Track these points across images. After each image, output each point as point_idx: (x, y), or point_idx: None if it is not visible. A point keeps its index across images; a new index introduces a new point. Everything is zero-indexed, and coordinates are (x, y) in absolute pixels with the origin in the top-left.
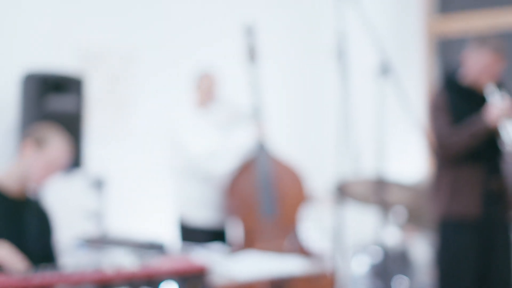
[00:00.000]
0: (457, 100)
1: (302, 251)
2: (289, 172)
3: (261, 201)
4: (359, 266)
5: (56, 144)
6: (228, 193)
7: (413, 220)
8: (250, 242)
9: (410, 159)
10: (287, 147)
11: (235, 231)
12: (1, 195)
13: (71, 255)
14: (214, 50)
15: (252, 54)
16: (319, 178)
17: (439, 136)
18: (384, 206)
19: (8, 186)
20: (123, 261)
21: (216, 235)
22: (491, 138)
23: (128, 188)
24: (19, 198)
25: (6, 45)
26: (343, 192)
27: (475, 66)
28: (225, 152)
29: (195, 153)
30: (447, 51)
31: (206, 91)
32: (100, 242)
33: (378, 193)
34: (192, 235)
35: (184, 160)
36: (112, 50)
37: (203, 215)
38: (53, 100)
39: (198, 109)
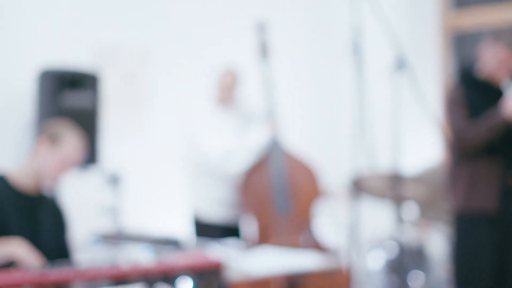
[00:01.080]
0: (474, 95)
1: (318, 246)
2: (303, 168)
3: (275, 198)
4: (374, 261)
5: (70, 141)
6: (242, 190)
7: (429, 214)
8: (264, 238)
9: (425, 154)
10: (303, 142)
11: (249, 227)
12: (16, 192)
13: (87, 251)
14: (229, 46)
15: (264, 51)
16: (334, 173)
17: (456, 131)
18: (400, 201)
19: (22, 183)
20: (139, 257)
21: (231, 231)
22: (508, 132)
23: (143, 184)
24: (34, 195)
25: (22, 42)
26: (359, 187)
27: (491, 60)
28: (241, 152)
29: (211, 153)
30: (462, 45)
31: (227, 88)
32: (116, 238)
33: (394, 188)
34: (207, 230)
35: (200, 160)
36: (127, 46)
37: (218, 212)
38: (69, 97)
39: (217, 106)
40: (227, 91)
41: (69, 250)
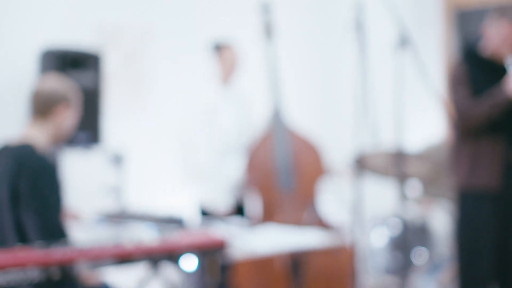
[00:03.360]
0: (477, 72)
1: (321, 224)
2: (307, 146)
3: (279, 175)
4: (378, 238)
5: (76, 94)
6: (247, 166)
7: (432, 191)
8: (269, 215)
9: (429, 131)
10: (306, 120)
11: (254, 204)
12: (48, 161)
13: (91, 230)
14: (232, 26)
15: (268, 31)
16: (338, 151)
17: (459, 109)
18: (403, 178)
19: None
20: (143, 236)
21: (235, 210)
22: None
23: (146, 163)
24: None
25: (24, 22)
26: (362, 164)
27: (495, 37)
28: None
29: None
30: (465, 22)
31: (229, 64)
32: (120, 217)
33: (397, 165)
34: (211, 209)
35: (194, 164)
36: (129, 26)
37: (221, 196)
38: (71, 76)
39: (220, 84)
40: (230, 68)
41: None
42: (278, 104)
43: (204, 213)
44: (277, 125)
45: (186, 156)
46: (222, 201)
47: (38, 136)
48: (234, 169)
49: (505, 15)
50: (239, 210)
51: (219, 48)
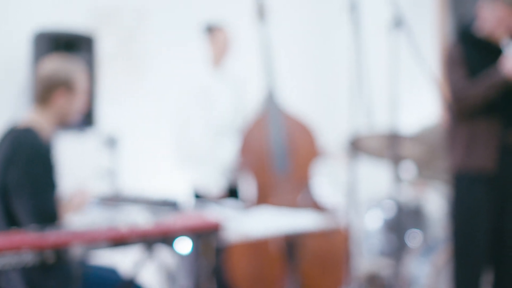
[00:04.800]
0: (473, 53)
1: (316, 206)
2: (301, 128)
3: (274, 157)
4: (372, 221)
5: (81, 78)
6: (241, 149)
7: (426, 174)
8: (263, 198)
9: (423, 112)
10: (300, 102)
11: (248, 186)
12: (47, 146)
13: (85, 213)
14: (225, 5)
15: (261, 12)
16: (332, 133)
17: (455, 90)
18: (398, 160)
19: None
20: (137, 219)
21: (229, 192)
22: (508, 91)
23: (141, 146)
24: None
25: (16, 3)
26: (357, 146)
27: (489, 19)
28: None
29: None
30: (460, 3)
31: (221, 46)
32: (114, 200)
33: (392, 147)
34: (205, 192)
35: (189, 147)
36: (123, 7)
37: (215, 179)
38: None
39: (212, 67)
40: (222, 50)
41: None
42: (272, 86)
43: (198, 196)
44: (271, 107)
45: (180, 138)
46: (216, 184)
47: (40, 121)
48: (228, 151)
49: None
50: (233, 193)
51: (211, 30)
